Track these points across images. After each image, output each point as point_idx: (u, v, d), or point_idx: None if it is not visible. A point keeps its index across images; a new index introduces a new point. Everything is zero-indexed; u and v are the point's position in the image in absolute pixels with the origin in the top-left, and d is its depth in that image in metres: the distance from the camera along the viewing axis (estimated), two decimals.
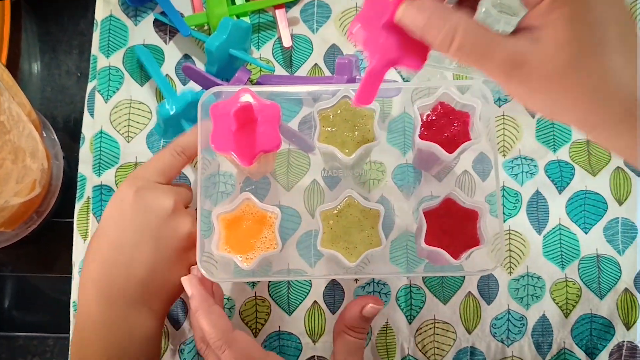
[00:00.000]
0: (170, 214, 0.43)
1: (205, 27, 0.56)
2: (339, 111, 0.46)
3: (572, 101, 0.28)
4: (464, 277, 0.51)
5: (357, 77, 0.50)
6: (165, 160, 0.45)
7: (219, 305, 0.43)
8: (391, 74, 0.55)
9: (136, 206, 0.43)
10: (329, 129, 0.46)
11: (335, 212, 0.45)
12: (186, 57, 0.55)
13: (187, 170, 0.53)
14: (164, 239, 0.43)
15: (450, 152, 0.43)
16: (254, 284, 0.51)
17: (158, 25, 0.56)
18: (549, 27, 0.27)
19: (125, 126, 0.54)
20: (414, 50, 0.30)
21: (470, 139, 0.43)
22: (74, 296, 0.51)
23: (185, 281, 0.44)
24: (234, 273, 0.47)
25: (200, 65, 0.55)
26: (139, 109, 0.54)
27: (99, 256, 0.42)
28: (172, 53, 0.55)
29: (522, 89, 0.29)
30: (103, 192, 0.52)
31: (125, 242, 0.42)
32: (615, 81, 0.27)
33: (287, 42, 0.53)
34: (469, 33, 0.27)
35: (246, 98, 0.44)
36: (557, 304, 0.51)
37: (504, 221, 0.52)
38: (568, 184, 0.53)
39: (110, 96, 0.54)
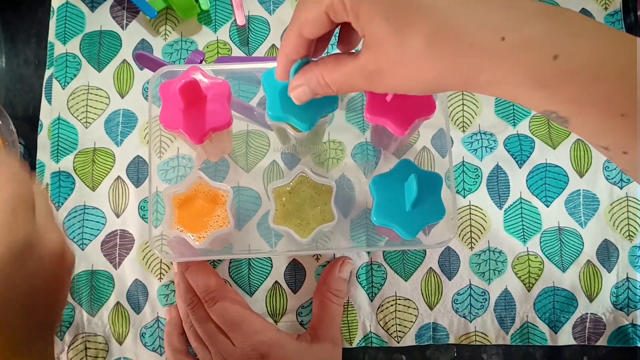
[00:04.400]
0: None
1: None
2: None
3: (430, 67, 0.28)
4: (425, 253, 0.51)
5: None
6: None
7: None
8: None
9: None
10: None
11: (287, 189, 0.45)
12: (143, 42, 0.55)
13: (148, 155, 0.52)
14: None
15: (402, 128, 0.43)
16: (214, 265, 0.51)
17: (115, 11, 0.56)
18: (366, 30, 0.29)
19: (83, 112, 0.53)
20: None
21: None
22: None
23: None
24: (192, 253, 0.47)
25: (157, 50, 0.55)
26: (96, 94, 0.54)
27: None
28: (129, 39, 0.55)
29: (391, 86, 0.30)
30: (61, 179, 0.52)
31: None
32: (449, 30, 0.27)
33: (240, 20, 0.53)
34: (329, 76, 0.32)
35: (196, 77, 0.44)
36: (519, 278, 0.51)
37: (464, 197, 0.52)
38: (528, 157, 0.53)
39: (68, 83, 0.54)
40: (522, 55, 0.26)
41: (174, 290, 0.50)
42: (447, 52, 0.27)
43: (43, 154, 0.53)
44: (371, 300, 0.51)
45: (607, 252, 0.51)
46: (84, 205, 0.52)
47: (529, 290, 0.51)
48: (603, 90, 0.25)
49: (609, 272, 0.51)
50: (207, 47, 0.55)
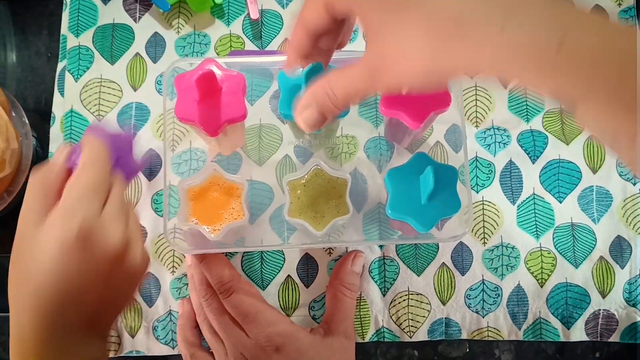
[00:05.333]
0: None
1: None
2: None
3: (429, 56, 0.28)
4: (438, 248, 0.51)
5: None
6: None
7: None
8: (359, 45, 0.55)
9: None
10: None
11: (302, 181, 0.45)
12: (155, 35, 0.55)
13: (161, 148, 0.52)
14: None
15: (417, 121, 0.43)
16: None
17: (128, 4, 0.56)
18: (363, 23, 0.29)
19: (95, 105, 0.53)
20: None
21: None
22: None
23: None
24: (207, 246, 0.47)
25: (170, 43, 0.55)
26: (109, 87, 0.54)
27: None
28: (142, 32, 0.55)
29: (394, 78, 0.29)
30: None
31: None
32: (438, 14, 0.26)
33: (254, 14, 0.53)
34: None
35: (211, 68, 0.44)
36: (532, 273, 0.51)
37: (477, 192, 0.52)
38: (541, 153, 0.52)
39: (80, 75, 0.54)
40: (525, 43, 0.25)
41: (187, 284, 0.50)
42: (446, 41, 0.27)
43: (55, 146, 0.53)
44: (383, 295, 0.51)
45: (620, 249, 0.51)
46: None
47: (541, 286, 0.51)
48: (608, 75, 0.24)
49: (622, 269, 0.51)
50: (220, 41, 0.54)
